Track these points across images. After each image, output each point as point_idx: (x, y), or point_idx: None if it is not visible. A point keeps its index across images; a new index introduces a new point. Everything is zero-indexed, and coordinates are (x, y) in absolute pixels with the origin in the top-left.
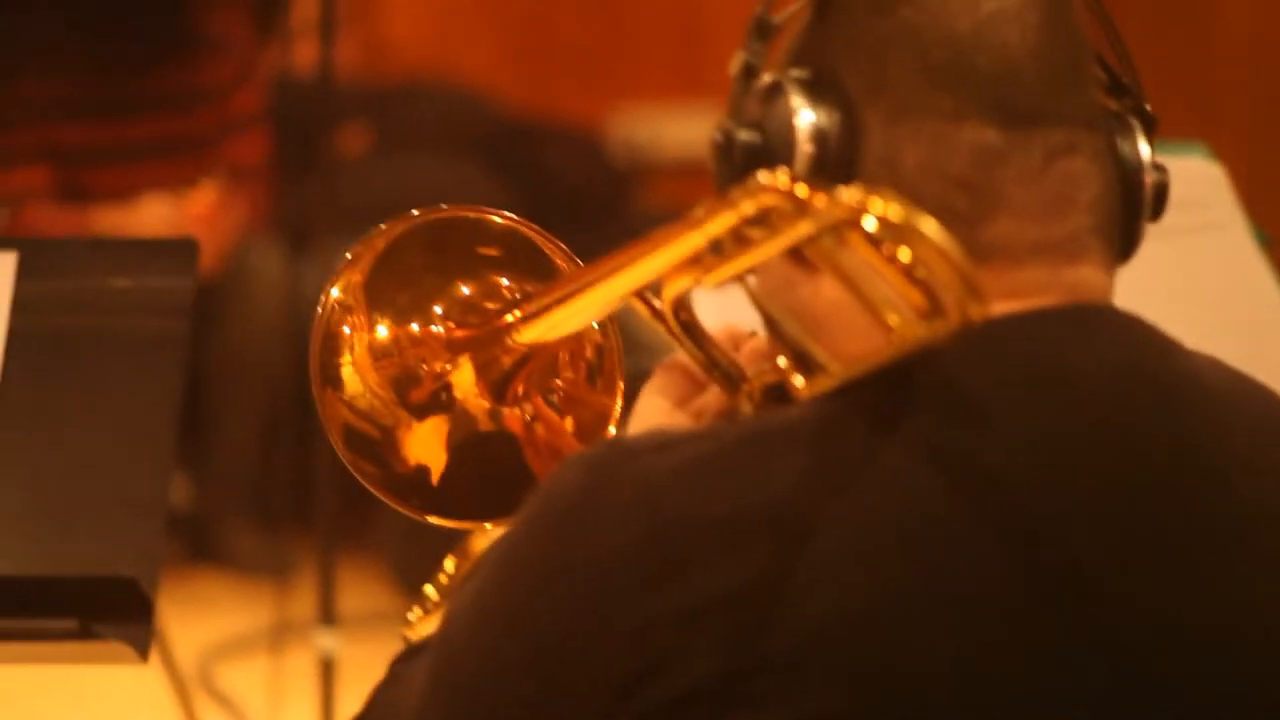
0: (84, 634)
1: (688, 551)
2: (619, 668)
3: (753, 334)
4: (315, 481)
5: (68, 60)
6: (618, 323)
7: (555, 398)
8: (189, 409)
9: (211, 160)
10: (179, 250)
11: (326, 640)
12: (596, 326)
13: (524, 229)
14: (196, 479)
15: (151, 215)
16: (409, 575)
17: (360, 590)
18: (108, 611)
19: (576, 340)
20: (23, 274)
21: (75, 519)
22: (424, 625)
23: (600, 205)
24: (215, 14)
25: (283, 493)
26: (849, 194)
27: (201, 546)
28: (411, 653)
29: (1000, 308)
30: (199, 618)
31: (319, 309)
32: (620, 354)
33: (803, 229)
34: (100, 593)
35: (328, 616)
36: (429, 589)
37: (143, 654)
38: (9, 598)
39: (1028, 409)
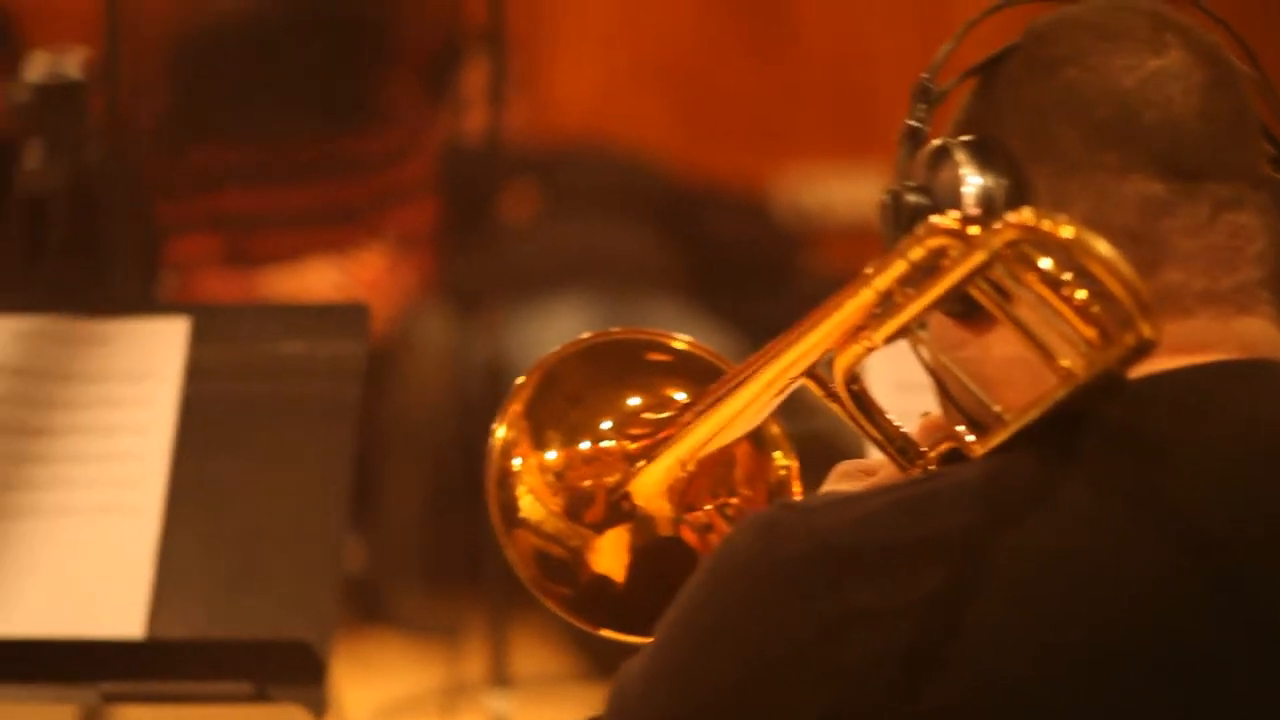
0: (259, 696)
1: (862, 601)
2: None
3: (924, 414)
4: (485, 542)
5: (238, 130)
6: (790, 441)
7: (733, 506)
8: (359, 473)
9: (379, 226)
10: (350, 315)
11: (499, 702)
12: (779, 457)
13: (696, 349)
14: (367, 541)
15: (318, 280)
16: (579, 638)
17: (532, 651)
18: (282, 674)
19: (758, 456)
20: (195, 340)
21: (250, 583)
22: None
23: (765, 268)
24: (387, 83)
25: (453, 554)
26: (1018, 215)
27: (373, 609)
28: None
29: (1173, 361)
30: (371, 679)
31: (489, 448)
32: (798, 476)
33: (974, 261)
34: (275, 656)
35: (500, 678)
36: None
37: (317, 716)
38: (186, 660)
39: (1209, 448)
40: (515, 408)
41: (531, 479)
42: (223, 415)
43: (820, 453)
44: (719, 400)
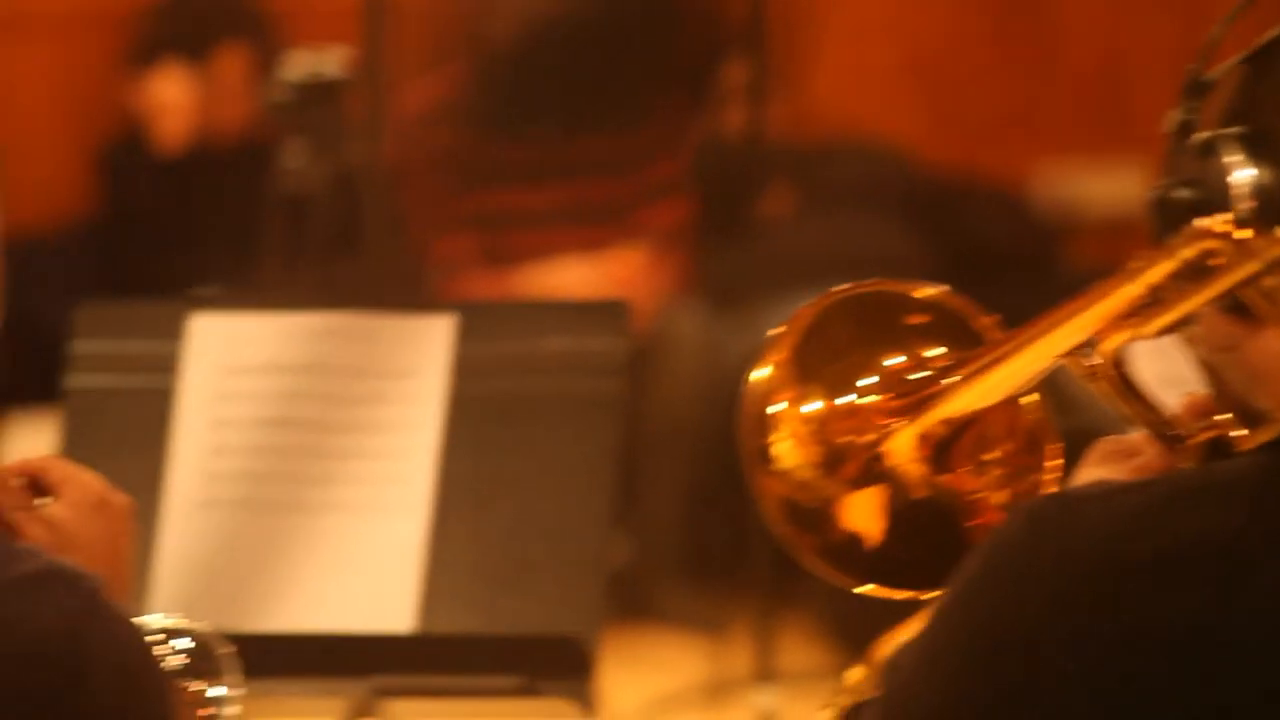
0: (528, 691)
1: (1130, 592)
2: (1064, 713)
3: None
4: (749, 537)
5: (496, 130)
6: (1049, 390)
7: (991, 466)
8: (621, 468)
9: (636, 225)
10: (611, 311)
11: (765, 697)
12: (1028, 396)
13: (951, 301)
14: (630, 537)
15: (575, 278)
16: (845, 632)
17: (797, 647)
18: (551, 669)
19: (1010, 411)
20: (461, 336)
21: (518, 578)
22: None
23: (1025, 264)
24: (647, 84)
25: (717, 550)
26: None
27: (637, 604)
28: (858, 709)
29: None
30: (636, 674)
31: (747, 388)
32: (1053, 423)
33: (1247, 269)
34: (544, 650)
35: (765, 673)
36: (838, 694)
37: (586, 710)
38: (456, 655)
39: None
40: (779, 354)
41: (790, 427)
42: (488, 412)
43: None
44: (982, 370)
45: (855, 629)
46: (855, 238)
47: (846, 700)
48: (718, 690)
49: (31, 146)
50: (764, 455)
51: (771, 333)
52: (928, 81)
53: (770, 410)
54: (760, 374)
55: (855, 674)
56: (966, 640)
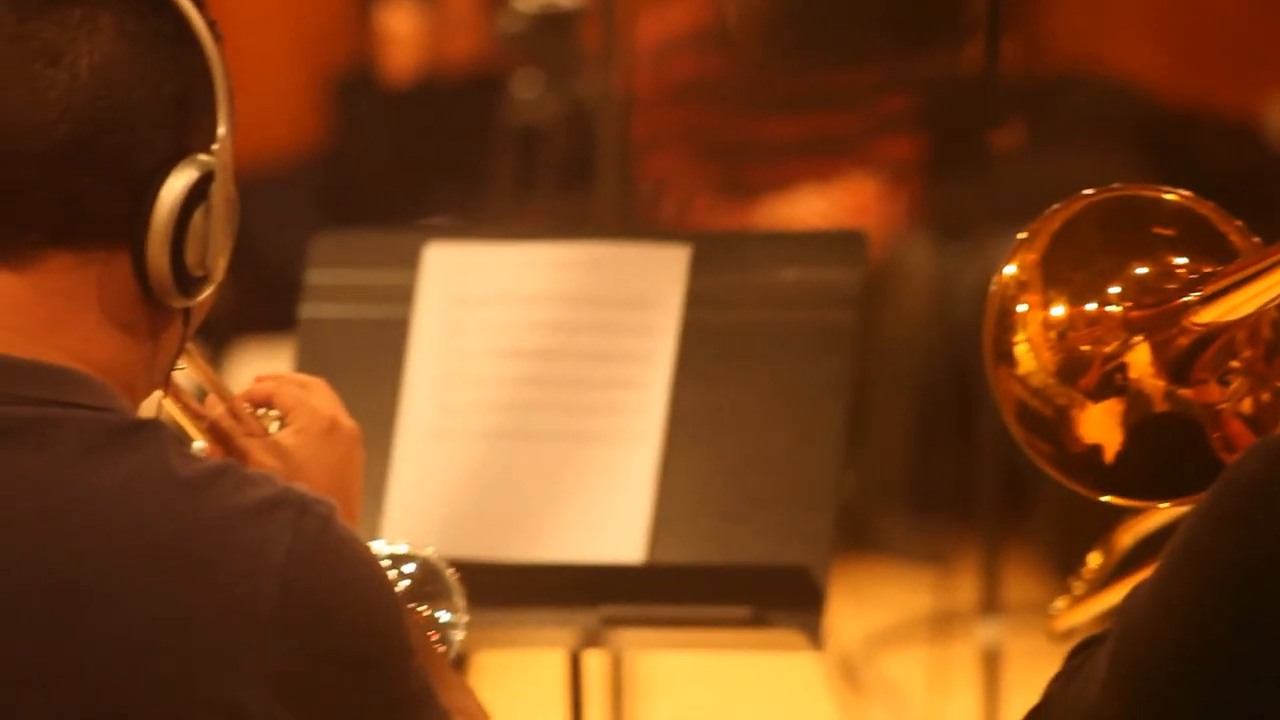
0: (757, 621)
1: None
2: None
3: None
4: (975, 471)
5: (735, 63)
6: None
7: (1233, 378)
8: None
9: (866, 156)
10: (847, 242)
11: (989, 630)
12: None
13: (1199, 207)
14: (855, 469)
15: (807, 209)
16: (1069, 566)
17: (1022, 580)
18: (780, 599)
19: (1252, 319)
20: (696, 267)
21: (748, 509)
22: (1070, 616)
23: (1257, 195)
24: (882, 16)
25: (942, 482)
26: None
27: (861, 536)
28: (1087, 645)
29: None
30: (859, 607)
31: (994, 286)
32: None
33: None
34: (773, 581)
35: (990, 606)
36: (1075, 582)
37: (815, 641)
38: (684, 585)
39: None
40: (1029, 255)
41: (1032, 330)
42: (722, 342)
43: None
44: (1232, 286)
45: (1078, 564)
46: (1087, 172)
47: (1083, 589)
48: (942, 623)
49: (263, 79)
50: (1006, 355)
51: (1024, 232)
52: (1160, 11)
53: (1015, 308)
54: (1008, 272)
55: (1093, 560)
56: (1199, 576)
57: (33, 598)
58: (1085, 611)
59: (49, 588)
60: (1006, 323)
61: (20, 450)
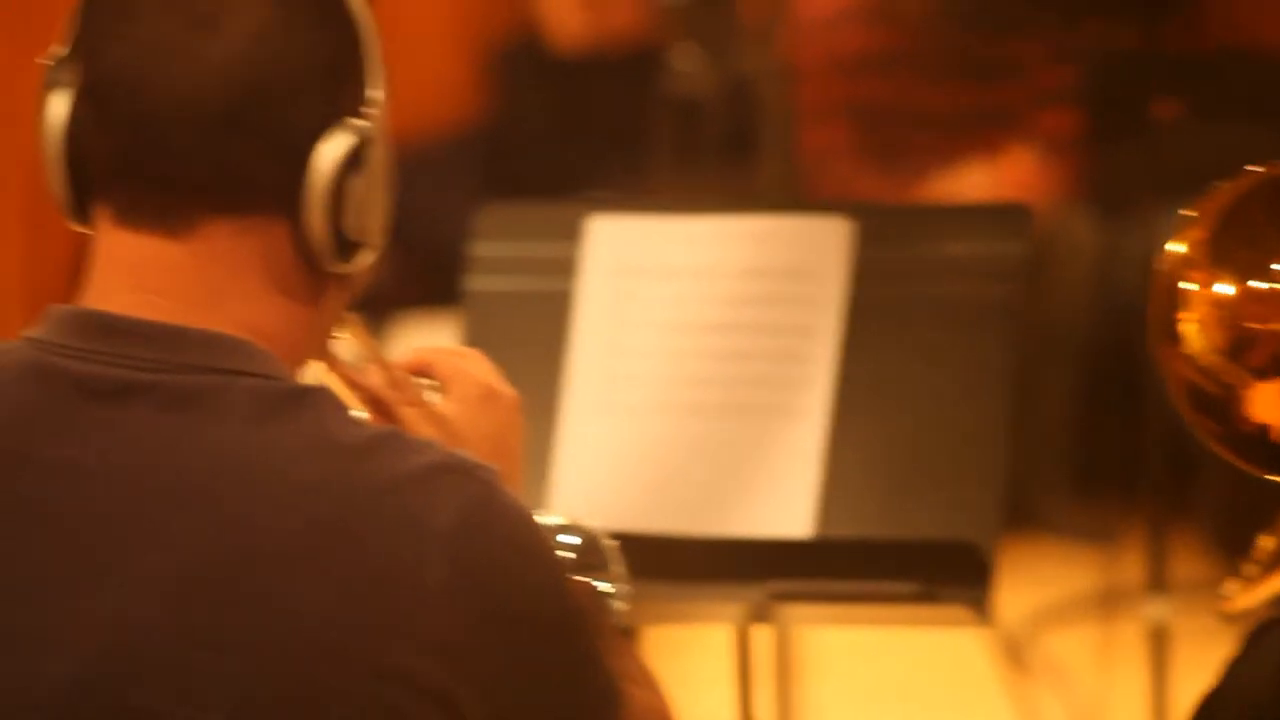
0: (925, 597)
1: None
2: None
3: None
4: (1141, 448)
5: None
6: None
7: None
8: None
9: (1027, 129)
10: (1013, 215)
11: (1157, 609)
12: None
13: None
14: (1018, 446)
15: (969, 183)
16: (1236, 545)
17: (1188, 559)
18: (948, 575)
19: None
20: (859, 240)
21: (915, 484)
22: (1242, 599)
23: None
24: None
25: (1107, 459)
26: None
27: (1024, 514)
28: (1267, 628)
29: None
30: (1022, 585)
31: (1160, 264)
32: None
33: None
34: (941, 557)
35: (1157, 585)
36: (1246, 565)
37: (982, 618)
38: (852, 560)
39: None
40: (1196, 233)
41: (1200, 308)
42: (887, 315)
43: None
44: None
45: (1244, 544)
46: (1248, 146)
47: (1255, 572)
48: (1107, 602)
49: (423, 50)
50: (1173, 333)
51: (1191, 210)
52: None
53: (1181, 286)
54: (1175, 249)
55: (1266, 543)
56: None
57: (205, 565)
58: (1258, 595)
59: (221, 555)
60: (1174, 301)
61: (188, 418)
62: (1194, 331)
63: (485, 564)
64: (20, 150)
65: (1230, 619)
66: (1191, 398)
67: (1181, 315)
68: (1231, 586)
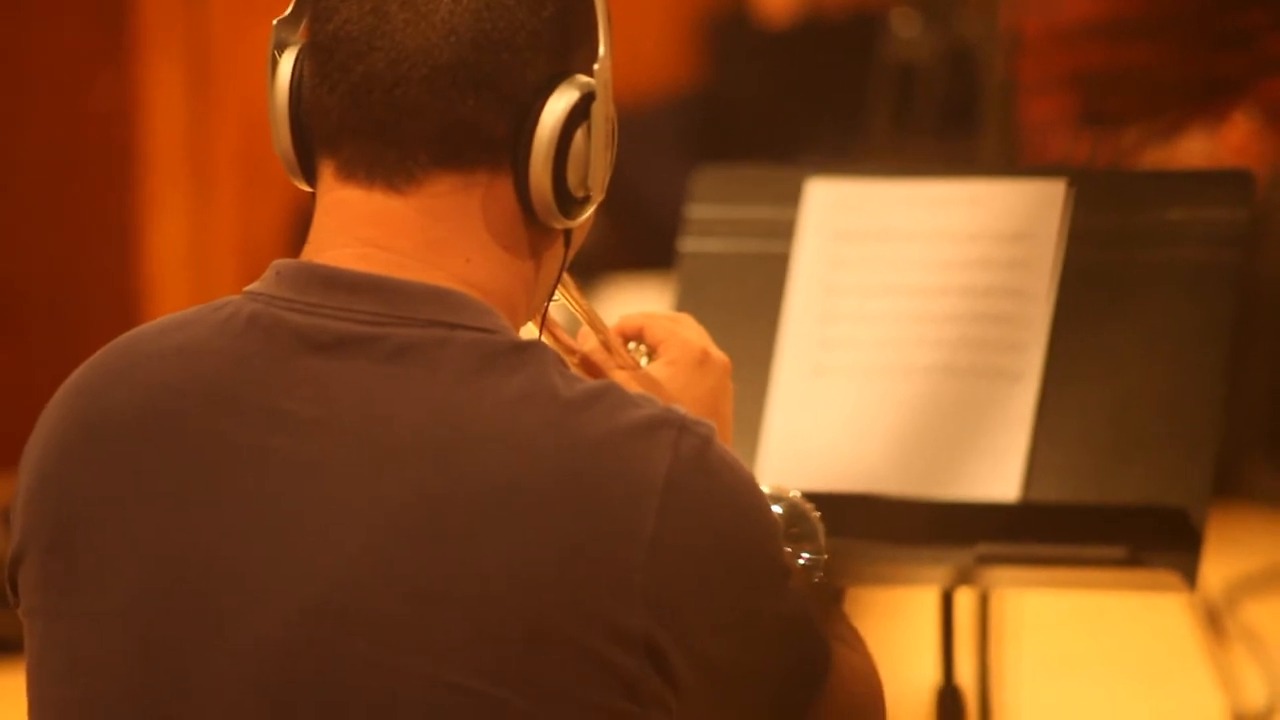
0: (1132, 561)
1: None
2: None
3: None
4: None
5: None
6: None
7: None
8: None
9: (1251, 96)
10: (1234, 181)
11: None
12: None
13: None
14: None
15: (1188, 151)
16: None
17: None
18: (1156, 540)
19: None
20: (1074, 203)
21: (1126, 449)
22: None
23: None
24: None
25: None
26: None
27: (1225, 480)
28: None
29: None
30: (1223, 552)
31: None
32: None
33: None
34: (1150, 522)
35: None
36: None
37: (1191, 583)
38: (1059, 524)
39: None
40: None
41: None
42: (1103, 280)
43: None
44: None
45: None
46: None
47: None
48: None
49: (640, 16)
50: None
51: None
52: None
53: None
54: None
55: None
56: None
57: (426, 516)
58: None
59: (441, 506)
60: None
61: (411, 370)
62: None
63: (699, 517)
64: (235, 111)
65: None
66: None
67: None
68: None
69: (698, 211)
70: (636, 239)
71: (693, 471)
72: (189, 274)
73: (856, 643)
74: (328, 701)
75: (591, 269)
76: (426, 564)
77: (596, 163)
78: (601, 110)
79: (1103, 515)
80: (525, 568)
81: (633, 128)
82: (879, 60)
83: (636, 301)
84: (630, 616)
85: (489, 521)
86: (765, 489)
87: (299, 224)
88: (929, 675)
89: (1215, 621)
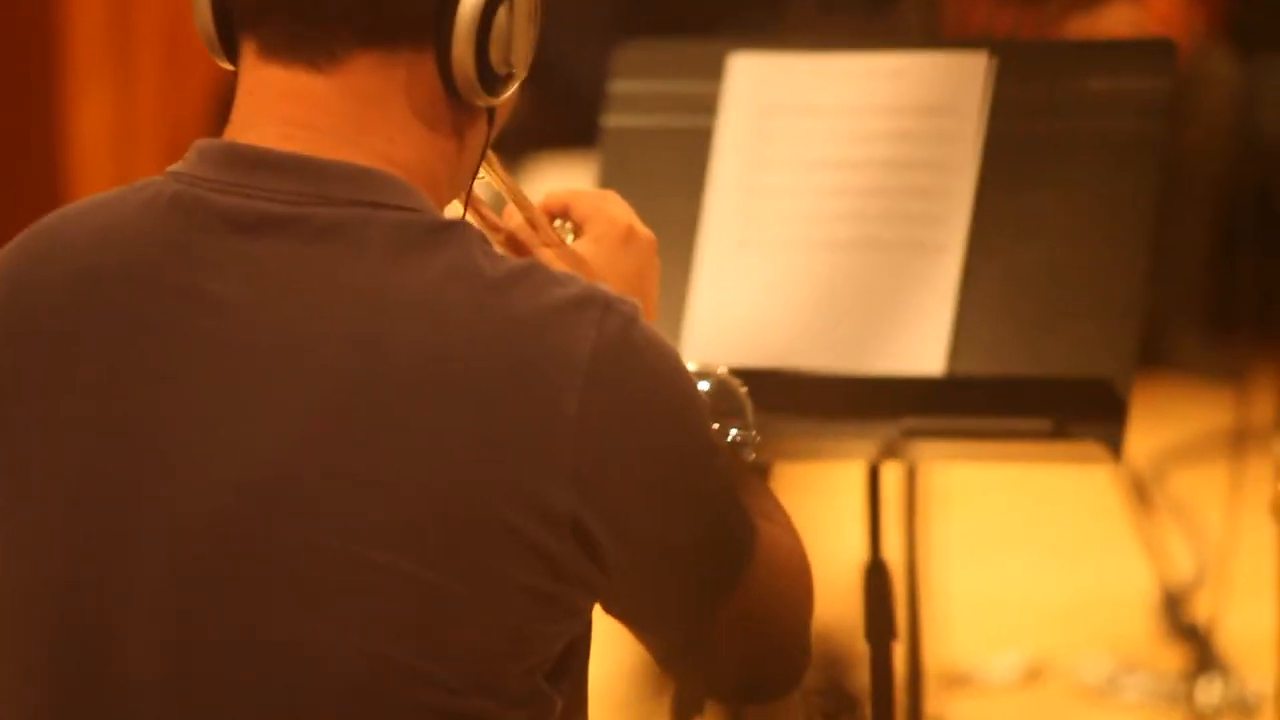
0: (1058, 433)
1: None
2: None
3: None
4: (1275, 286)
5: None
6: None
7: None
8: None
9: None
10: (1157, 50)
11: None
12: None
13: None
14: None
15: (1115, 19)
16: None
17: None
18: (1081, 411)
19: None
20: (998, 75)
21: (1051, 319)
22: None
23: None
24: None
25: (1239, 297)
26: None
27: (1154, 352)
28: None
29: None
30: (1152, 423)
31: None
32: None
33: None
34: (1075, 393)
35: None
36: None
37: (1116, 453)
38: (985, 397)
39: None
40: None
41: None
42: (1026, 151)
43: None
44: None
45: None
46: None
47: None
48: (1237, 440)
49: None
50: None
51: None
52: None
53: None
54: None
55: None
56: None
57: (351, 397)
58: None
59: (366, 386)
60: None
61: (335, 250)
62: None
63: (622, 394)
64: None
65: None
66: None
67: None
68: None
69: (621, 87)
70: (562, 116)
71: (617, 349)
72: (114, 155)
73: (782, 519)
74: (255, 580)
75: (517, 146)
76: (352, 444)
77: (519, 40)
78: None
79: (1028, 387)
80: (450, 447)
81: (556, 3)
82: None
83: (562, 179)
84: (556, 495)
85: (414, 401)
86: (693, 366)
87: (224, 103)
88: (856, 550)
89: (1142, 492)
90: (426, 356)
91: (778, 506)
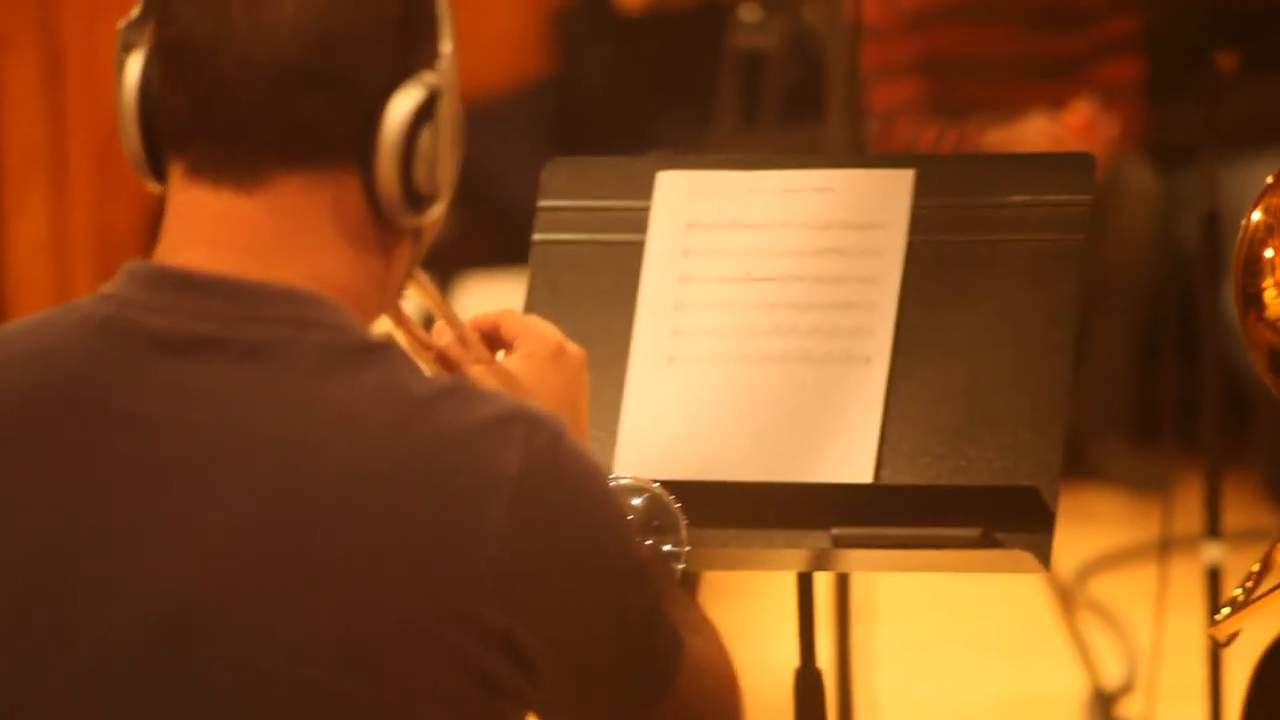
0: (986, 542)
1: None
2: None
3: None
4: (1197, 396)
5: None
6: None
7: None
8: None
9: (1088, 79)
10: (1075, 165)
11: (1213, 552)
12: None
13: None
14: (1075, 394)
15: (1032, 132)
16: None
17: (1240, 505)
18: (1009, 521)
19: None
20: (922, 191)
21: (976, 430)
22: (1230, 625)
23: None
24: None
25: (1163, 408)
26: None
27: (1078, 461)
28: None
29: None
30: (1078, 531)
31: (1241, 231)
32: None
33: None
34: (1002, 502)
35: (1213, 530)
36: (1236, 591)
37: (1044, 563)
38: (913, 506)
39: None
40: (1275, 199)
41: None
42: (949, 264)
43: None
44: None
45: None
46: None
47: (1242, 596)
48: (1162, 548)
49: (489, 5)
50: (1255, 300)
51: (1270, 176)
52: None
53: (1262, 254)
54: (1254, 218)
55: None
56: None
57: (277, 514)
58: (1245, 618)
59: (291, 504)
60: (1254, 269)
61: (261, 370)
62: (1276, 298)
63: (549, 510)
64: (90, 114)
65: (1220, 644)
66: (1272, 361)
67: (1263, 283)
68: (1223, 613)
69: (550, 203)
70: (492, 233)
71: (544, 466)
72: (50, 268)
73: (709, 631)
74: (177, 698)
75: (447, 264)
76: (278, 562)
77: (443, 161)
78: (447, 108)
79: (956, 496)
80: (377, 563)
81: (484, 119)
82: (726, 49)
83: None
84: (486, 611)
85: (340, 518)
86: (626, 480)
87: (157, 216)
88: (789, 658)
89: (1069, 599)
90: (352, 474)
91: (705, 620)
